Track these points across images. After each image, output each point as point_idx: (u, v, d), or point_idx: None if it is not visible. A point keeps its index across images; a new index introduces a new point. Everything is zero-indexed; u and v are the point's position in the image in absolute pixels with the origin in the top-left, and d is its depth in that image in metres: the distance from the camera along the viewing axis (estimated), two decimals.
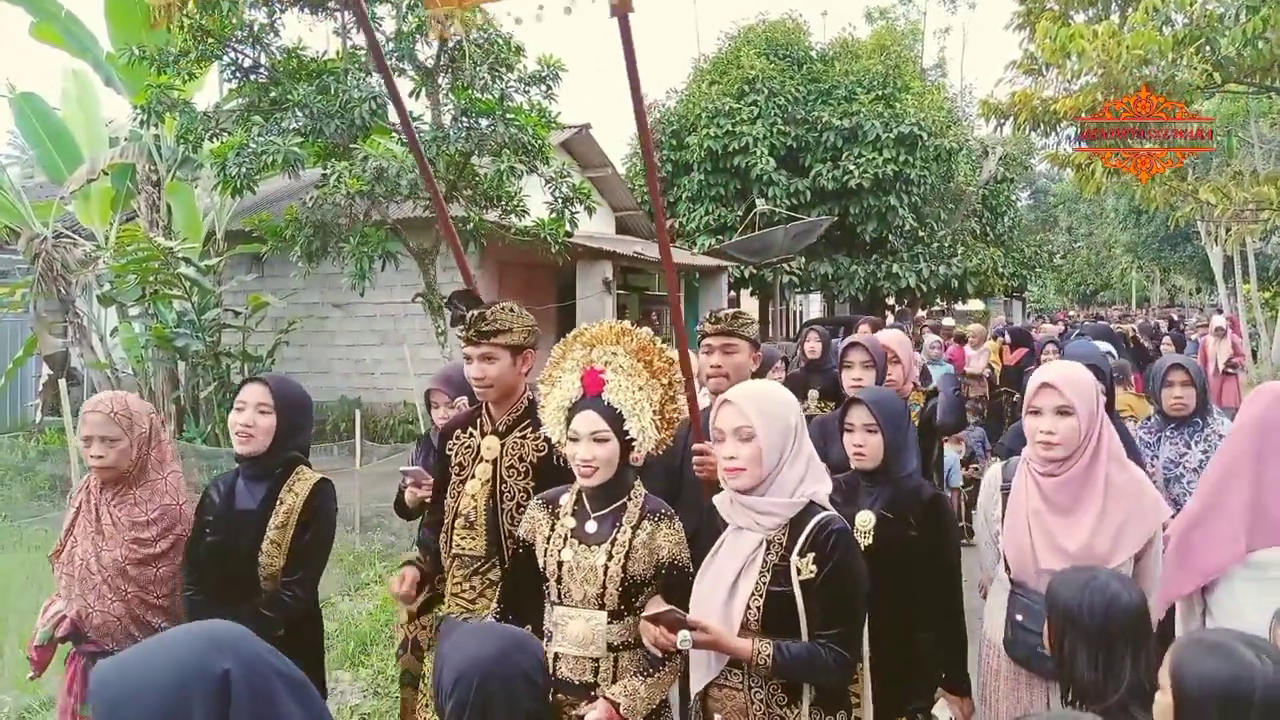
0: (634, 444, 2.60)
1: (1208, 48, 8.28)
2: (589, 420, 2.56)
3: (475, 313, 3.11)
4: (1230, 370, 11.06)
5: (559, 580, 2.59)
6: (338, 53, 10.50)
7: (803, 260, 21.43)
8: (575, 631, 2.56)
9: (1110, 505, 2.69)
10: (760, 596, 2.37)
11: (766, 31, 23.34)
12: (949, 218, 23.96)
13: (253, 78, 10.31)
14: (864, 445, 3.08)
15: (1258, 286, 21.55)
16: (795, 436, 2.43)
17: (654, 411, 2.65)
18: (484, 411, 3.19)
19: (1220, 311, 20.96)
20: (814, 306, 31.72)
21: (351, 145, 9.68)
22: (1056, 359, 8.74)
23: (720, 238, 20.36)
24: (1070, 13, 9.52)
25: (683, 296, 20.47)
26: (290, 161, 9.19)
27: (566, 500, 2.70)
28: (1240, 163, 14.79)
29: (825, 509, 2.43)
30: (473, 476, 3.11)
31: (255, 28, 9.98)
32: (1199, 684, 1.77)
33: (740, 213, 20.93)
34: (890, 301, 25.42)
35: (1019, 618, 2.79)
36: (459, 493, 3.13)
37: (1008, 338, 12.41)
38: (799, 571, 2.34)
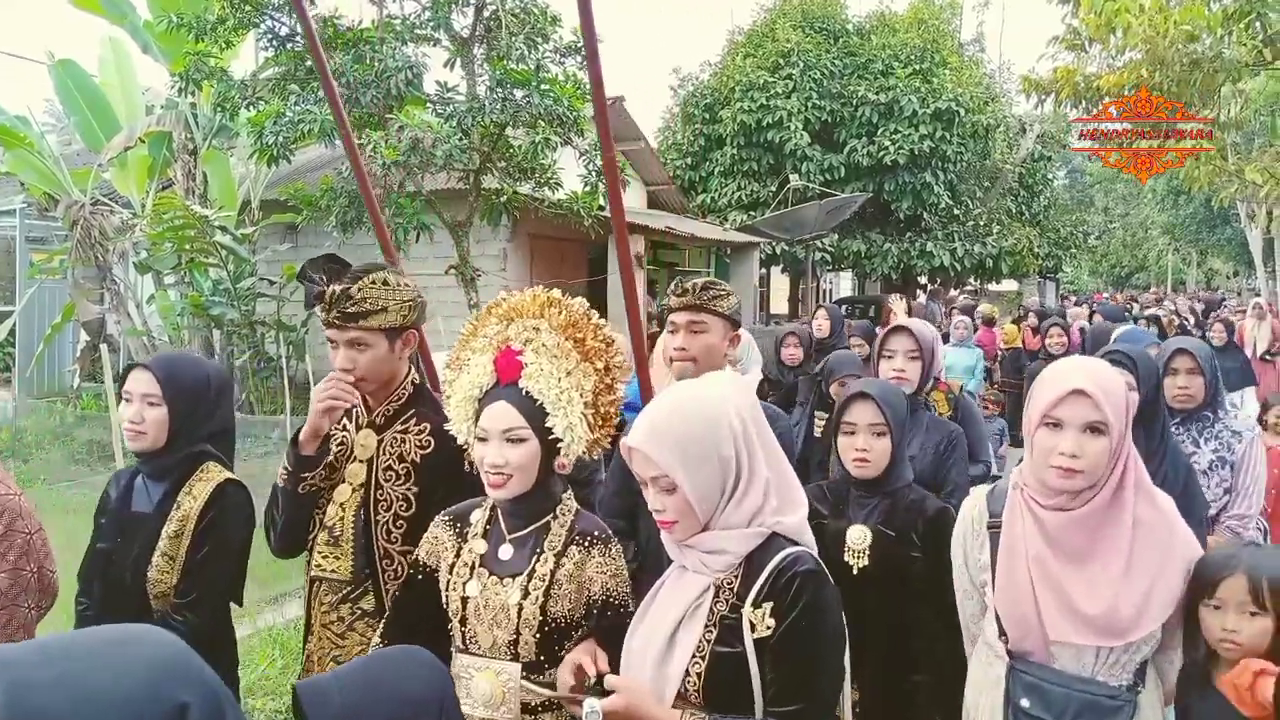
0: (559, 445, 2.06)
1: (1258, 23, 8.09)
2: (500, 414, 2.03)
3: (337, 289, 2.45)
4: (1269, 356, 10.81)
5: (463, 621, 2.06)
6: (373, 22, 10.49)
7: (835, 237, 21.26)
8: (482, 688, 2.03)
9: (1140, 553, 2.05)
10: (703, 658, 1.81)
11: (802, 4, 23.07)
12: (984, 196, 23.67)
13: (289, 46, 10.33)
14: (868, 451, 2.62)
15: None
16: (738, 465, 1.84)
17: (585, 404, 2.09)
18: (363, 399, 2.58)
19: (1258, 294, 20.63)
20: (844, 284, 31.51)
21: (387, 115, 9.69)
22: (1063, 343, 8.24)
23: (752, 214, 20.24)
24: None
25: (713, 272, 20.51)
26: (326, 131, 9.21)
27: (478, 518, 2.16)
28: None
29: (793, 543, 1.87)
30: (342, 480, 2.53)
31: None
32: None
33: (773, 188, 20.78)
34: (923, 281, 25.20)
35: (1024, 702, 2.16)
36: (325, 501, 2.54)
37: (1035, 320, 11.69)
38: (753, 626, 1.79)
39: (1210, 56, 7.92)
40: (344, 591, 2.49)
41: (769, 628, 1.78)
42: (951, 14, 25.77)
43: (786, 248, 20.64)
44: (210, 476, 2.61)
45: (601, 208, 11.06)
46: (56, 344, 13.03)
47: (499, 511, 2.14)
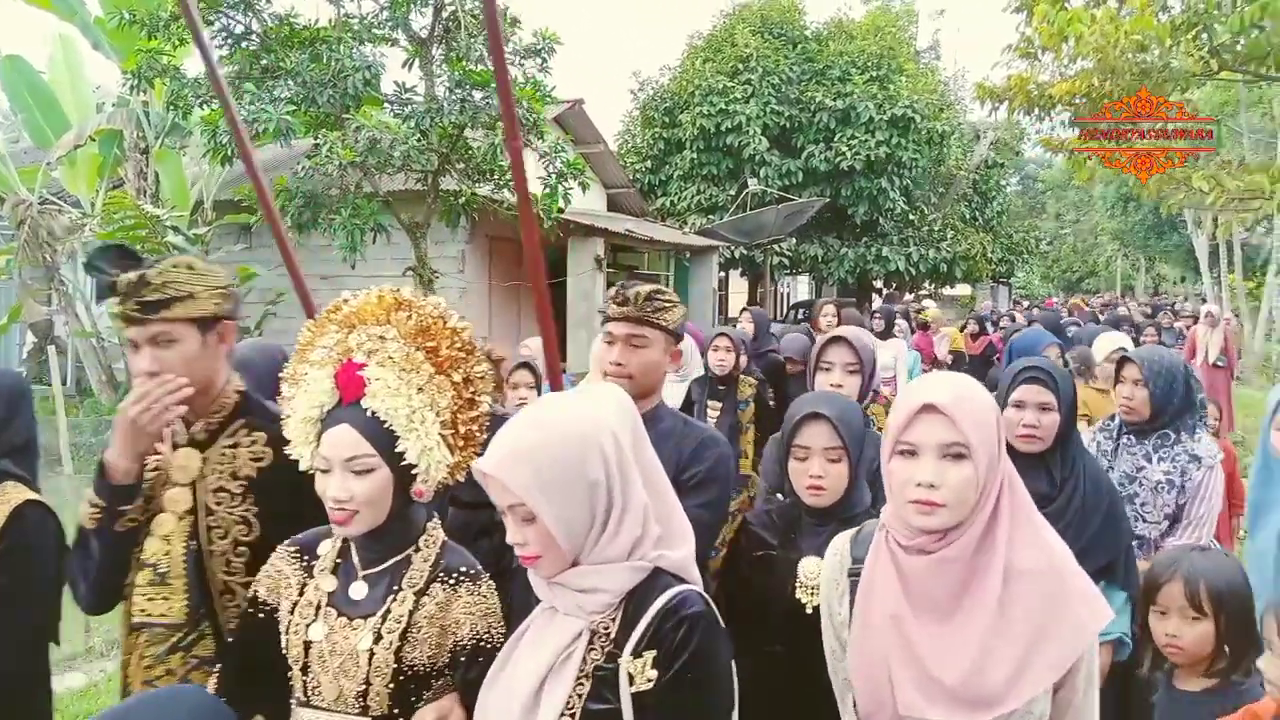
0: (416, 472, 1.80)
1: (1204, 35, 8.28)
2: (342, 440, 1.75)
3: (132, 275, 2.07)
4: (1220, 364, 10.82)
5: (305, 669, 1.80)
6: (330, 21, 10.38)
7: (793, 242, 21.43)
8: None
9: (1016, 607, 1.66)
10: (573, 716, 1.57)
11: (761, 9, 23.26)
12: (939, 202, 24.00)
13: (244, 45, 10.18)
14: (824, 476, 2.32)
15: (1242, 276, 21.68)
16: (610, 492, 1.59)
17: (443, 423, 1.83)
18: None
19: (1205, 301, 21.11)
20: (802, 288, 31.74)
21: (344, 115, 9.60)
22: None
23: (711, 217, 20.33)
24: None
25: (673, 276, 20.58)
26: (281, 130, 9.09)
27: (327, 550, 1.89)
28: (1229, 152, 14.84)
29: (679, 580, 1.63)
30: (162, 510, 2.14)
31: None
32: None
33: (732, 192, 20.89)
34: (878, 285, 25.48)
35: None
36: (143, 536, 2.15)
37: (975, 325, 11.75)
38: (631, 679, 1.56)
39: (1159, 66, 8.08)
40: (175, 638, 2.09)
41: (650, 680, 1.55)
42: (908, 22, 26.10)
43: (745, 251, 20.78)
44: (7, 498, 2.25)
45: (561, 210, 11.04)
46: (3, 346, 12.75)
47: (352, 544, 1.87)
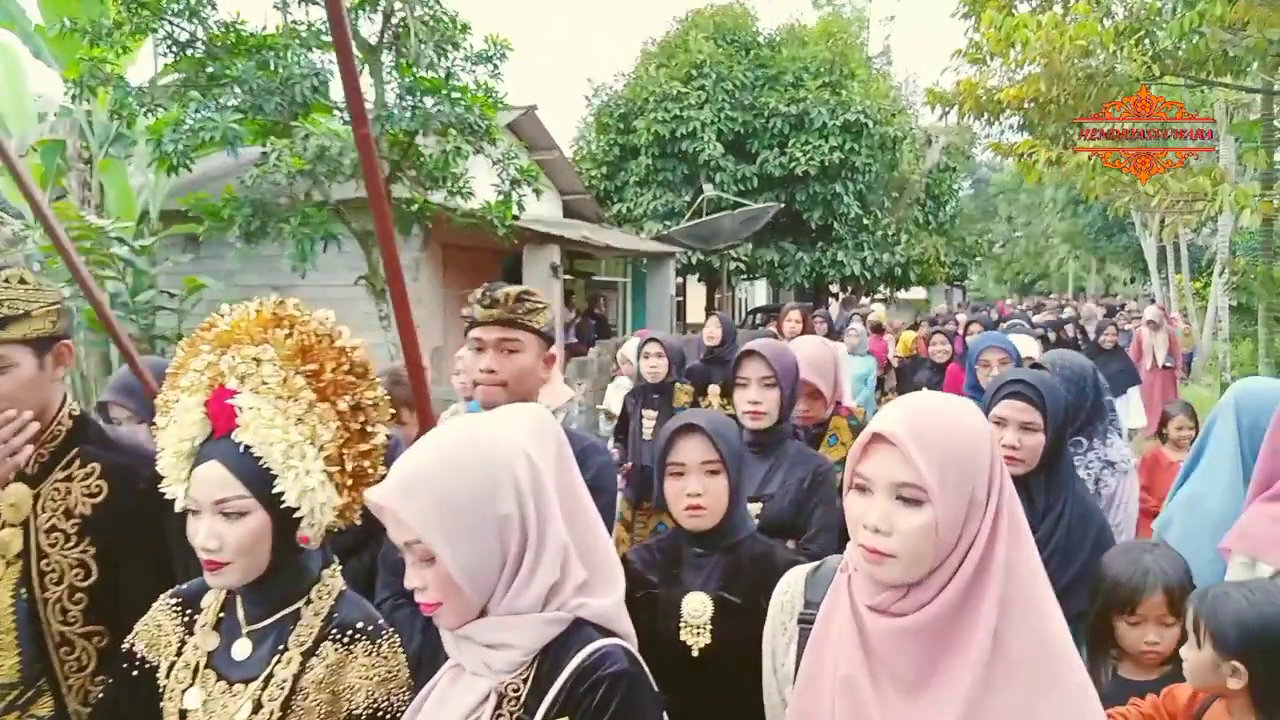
0: (297, 515, 1.58)
1: (1147, 40, 8.43)
2: (210, 480, 1.55)
3: None
4: (1168, 365, 10.88)
5: None
6: (278, 28, 10.24)
7: (749, 247, 21.52)
8: None
9: (996, 693, 1.35)
10: None
11: (714, 16, 23.33)
12: (893, 206, 24.22)
13: (189, 52, 10.01)
14: (703, 494, 2.10)
15: (1189, 277, 22.10)
16: (525, 528, 1.41)
17: (327, 458, 1.60)
18: None
19: (1154, 301, 21.49)
20: (759, 293, 31.88)
21: (292, 123, 9.47)
22: (946, 350, 7.42)
23: (668, 223, 20.35)
24: (1015, 2, 9.63)
25: (630, 282, 20.57)
26: (229, 139, 8.96)
27: (210, 604, 1.67)
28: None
29: (604, 633, 1.45)
30: None
31: (192, 0, 9.70)
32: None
33: (688, 198, 20.94)
34: (834, 289, 25.66)
35: None
36: None
37: (926, 327, 11.66)
38: None
39: (1104, 71, 8.20)
40: (11, 696, 1.86)
41: None
42: (859, 28, 26.34)
43: (702, 257, 20.82)
44: None
45: (516, 217, 10.98)
46: None
47: (236, 596, 1.65)
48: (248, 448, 1.55)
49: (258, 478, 1.55)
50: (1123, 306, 20.28)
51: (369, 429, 1.68)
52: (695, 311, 27.22)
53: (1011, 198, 49.94)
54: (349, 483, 1.63)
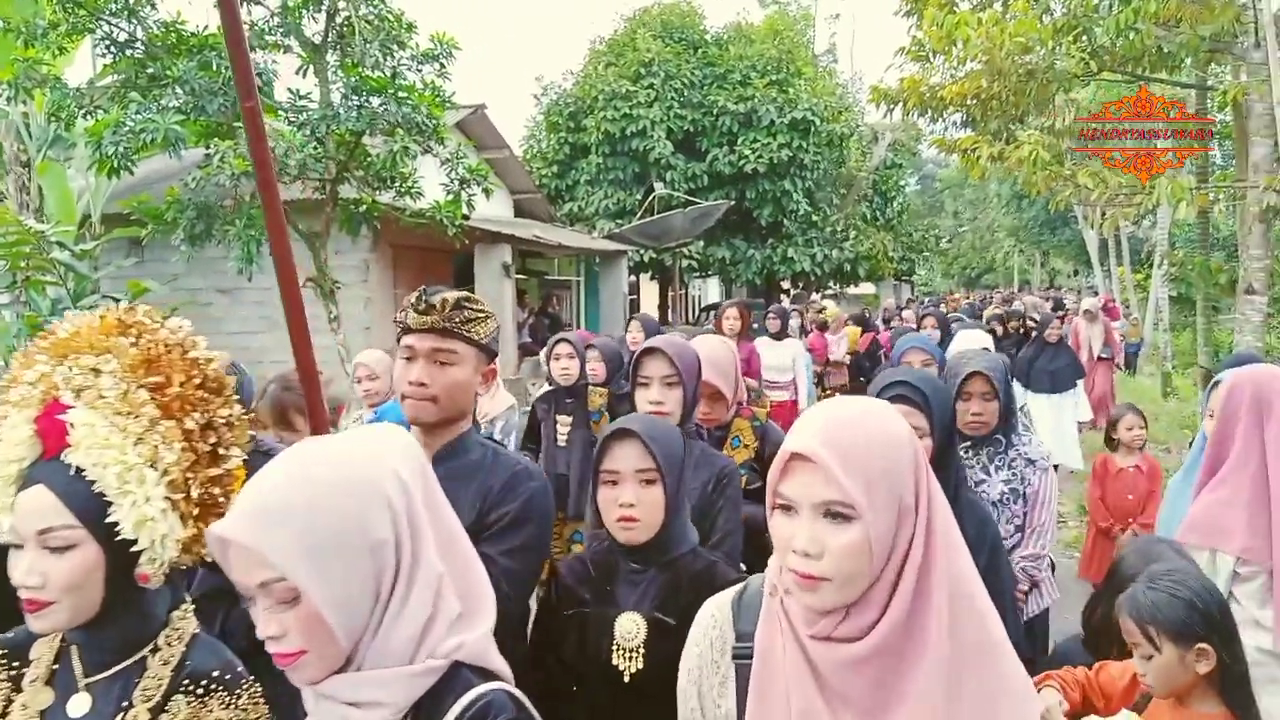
0: (136, 550, 1.38)
1: (1085, 37, 8.60)
2: (33, 507, 1.35)
3: None
4: (1104, 355, 11.05)
5: None
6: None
7: (701, 244, 21.63)
8: None
9: (960, 702, 1.29)
10: None
11: (661, 14, 23.43)
12: (841, 202, 24.48)
13: (129, 52, 9.83)
14: (637, 505, 1.95)
15: (1130, 269, 22.59)
16: (399, 557, 1.25)
17: (170, 484, 1.41)
18: None
19: (1096, 293, 21.93)
20: (712, 291, 32.02)
21: (235, 124, 9.33)
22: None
23: (620, 221, 20.39)
24: (956, 1, 9.79)
25: (583, 281, 20.56)
26: (171, 140, 8.81)
27: (42, 654, 1.46)
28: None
29: (484, 675, 1.32)
30: None
31: (130, 0, 9.53)
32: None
33: (639, 196, 20.99)
34: (785, 285, 25.86)
35: None
36: None
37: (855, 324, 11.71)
38: None
39: (1044, 67, 8.36)
40: None
41: None
42: (805, 26, 26.57)
43: (655, 255, 20.88)
44: None
45: (466, 217, 10.92)
46: None
47: (71, 645, 1.44)
48: (79, 470, 1.36)
49: (89, 505, 1.35)
50: (1060, 300, 20.49)
51: (221, 451, 1.48)
52: (650, 309, 27.28)
53: (957, 193, 50.69)
54: (195, 512, 1.43)
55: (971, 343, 4.82)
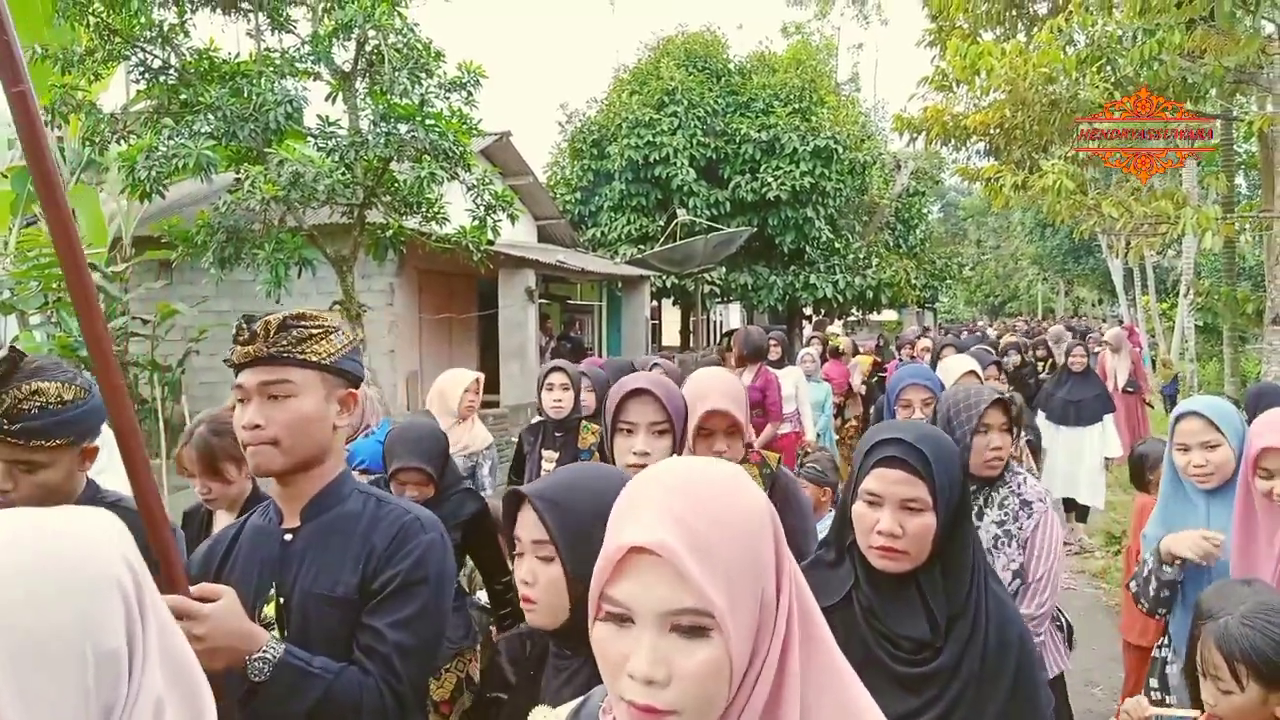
0: None
1: (1108, 67, 8.62)
2: None
3: None
4: (1130, 389, 10.39)
5: None
6: (251, 55, 10.28)
7: (723, 270, 21.70)
8: None
9: None
10: None
11: (685, 43, 23.62)
12: (863, 230, 24.48)
13: (162, 79, 10.03)
14: (534, 581, 1.53)
15: (1156, 298, 22.42)
16: (131, 661, 0.87)
17: None
18: None
19: (1121, 323, 21.76)
20: (734, 316, 32.05)
21: (266, 149, 9.49)
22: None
23: (642, 247, 20.49)
24: (979, 31, 9.83)
25: (605, 306, 20.64)
26: (202, 165, 8.96)
27: None
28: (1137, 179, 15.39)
29: None
30: None
31: (165, 27, 9.72)
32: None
33: (661, 223, 21.09)
34: (808, 312, 25.85)
35: None
36: None
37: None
38: None
39: (1067, 97, 8.37)
40: None
41: None
42: (828, 55, 26.69)
43: (677, 281, 20.94)
44: None
45: (491, 242, 11.02)
46: None
47: None
48: None
49: None
50: (1087, 332, 20.23)
51: None
52: (671, 334, 27.33)
53: (980, 221, 50.54)
54: None
55: (954, 370, 4.54)
